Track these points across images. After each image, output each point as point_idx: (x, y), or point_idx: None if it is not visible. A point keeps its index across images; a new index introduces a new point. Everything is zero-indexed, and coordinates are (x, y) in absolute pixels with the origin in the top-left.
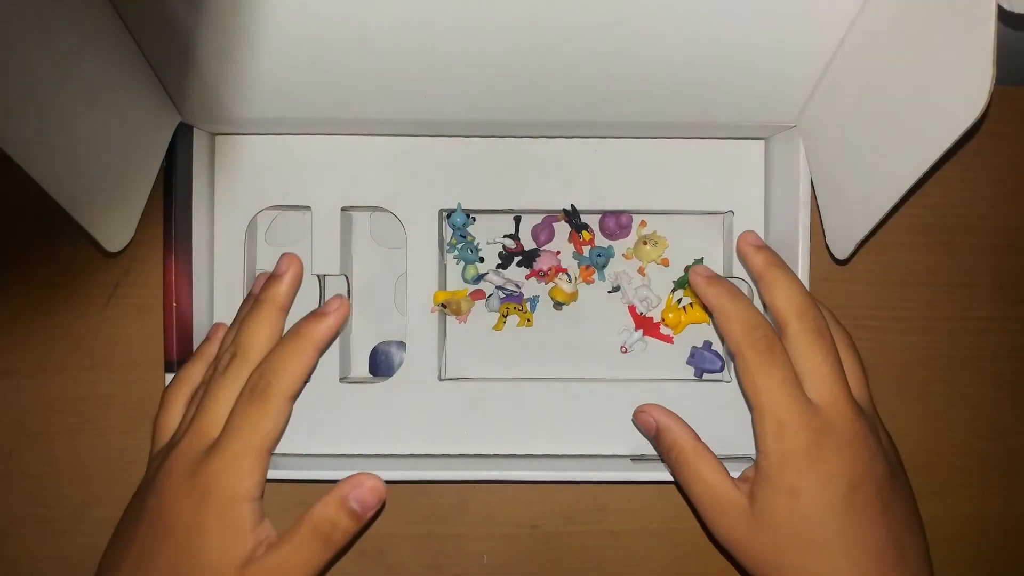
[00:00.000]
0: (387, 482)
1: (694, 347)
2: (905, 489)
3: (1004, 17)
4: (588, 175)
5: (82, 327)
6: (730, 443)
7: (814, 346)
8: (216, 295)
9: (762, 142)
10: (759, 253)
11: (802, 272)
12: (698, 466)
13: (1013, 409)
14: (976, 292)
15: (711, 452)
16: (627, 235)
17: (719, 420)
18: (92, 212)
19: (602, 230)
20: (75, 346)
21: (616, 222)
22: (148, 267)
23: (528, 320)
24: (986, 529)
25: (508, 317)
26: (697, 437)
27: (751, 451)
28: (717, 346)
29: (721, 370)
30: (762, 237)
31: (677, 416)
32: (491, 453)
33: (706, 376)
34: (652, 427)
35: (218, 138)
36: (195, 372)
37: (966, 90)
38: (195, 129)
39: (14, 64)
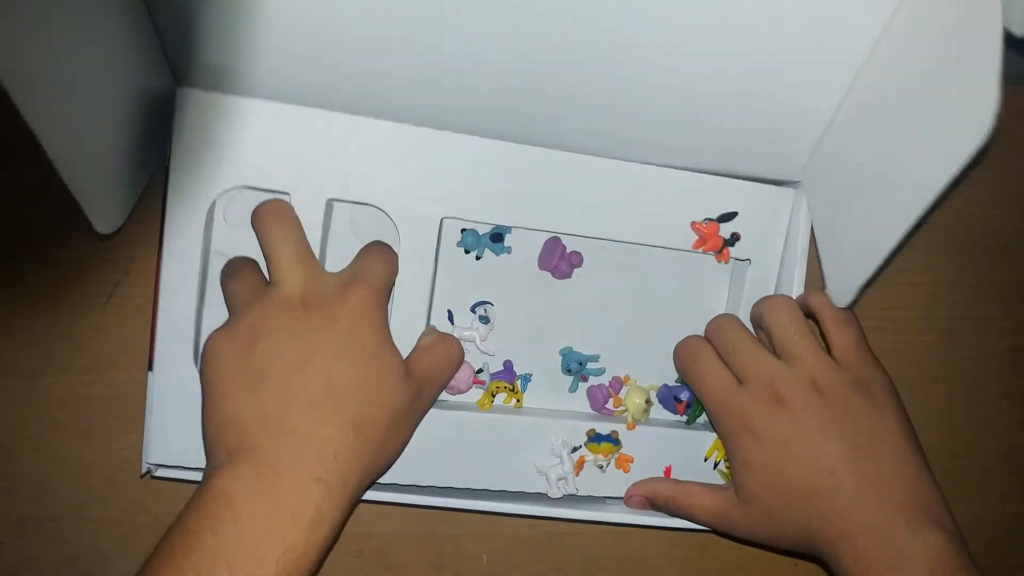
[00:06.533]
0: (389, 504)
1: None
2: (860, 416)
3: (1014, 44)
4: (602, 198)
5: (82, 327)
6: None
7: (733, 332)
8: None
9: (791, 190)
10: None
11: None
12: (690, 500)
13: (1013, 409)
14: (976, 292)
15: (693, 483)
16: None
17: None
18: (89, 188)
19: (543, 264)
20: (75, 346)
21: (567, 262)
22: (148, 267)
23: (518, 400)
24: (986, 529)
25: (496, 395)
26: (676, 481)
27: None
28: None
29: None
30: (772, 288)
31: (651, 479)
32: (468, 487)
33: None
34: (644, 503)
35: (217, 99)
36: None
37: (965, 128)
38: (187, 99)
39: (32, 28)
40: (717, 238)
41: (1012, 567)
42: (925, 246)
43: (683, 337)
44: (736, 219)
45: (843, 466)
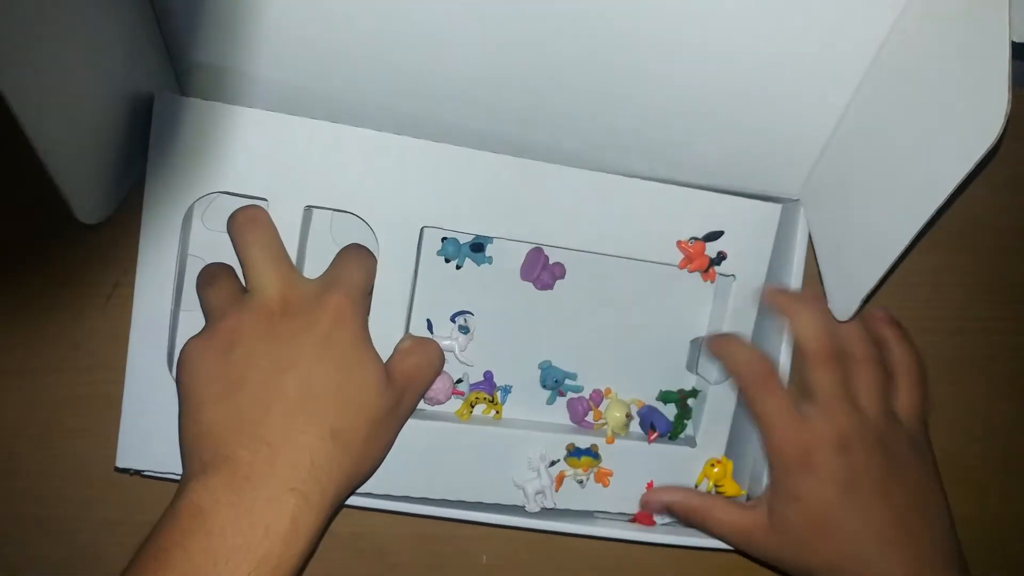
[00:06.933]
0: (390, 512)
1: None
2: (913, 474)
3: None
4: (585, 210)
5: (82, 327)
6: None
7: (816, 368)
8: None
9: (778, 206)
10: (782, 294)
11: (785, 351)
12: (713, 515)
13: (1013, 409)
14: (976, 292)
15: (716, 496)
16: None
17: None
18: (72, 178)
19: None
20: (75, 346)
21: (550, 273)
22: None
23: (497, 412)
24: (986, 529)
25: (475, 406)
26: (698, 492)
27: None
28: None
29: (667, 432)
30: (756, 306)
31: (672, 487)
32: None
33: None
34: (663, 509)
35: (197, 104)
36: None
37: (969, 139)
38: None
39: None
40: (703, 257)
41: (1012, 567)
42: (927, 246)
43: (712, 335)
44: (722, 235)
45: (896, 520)
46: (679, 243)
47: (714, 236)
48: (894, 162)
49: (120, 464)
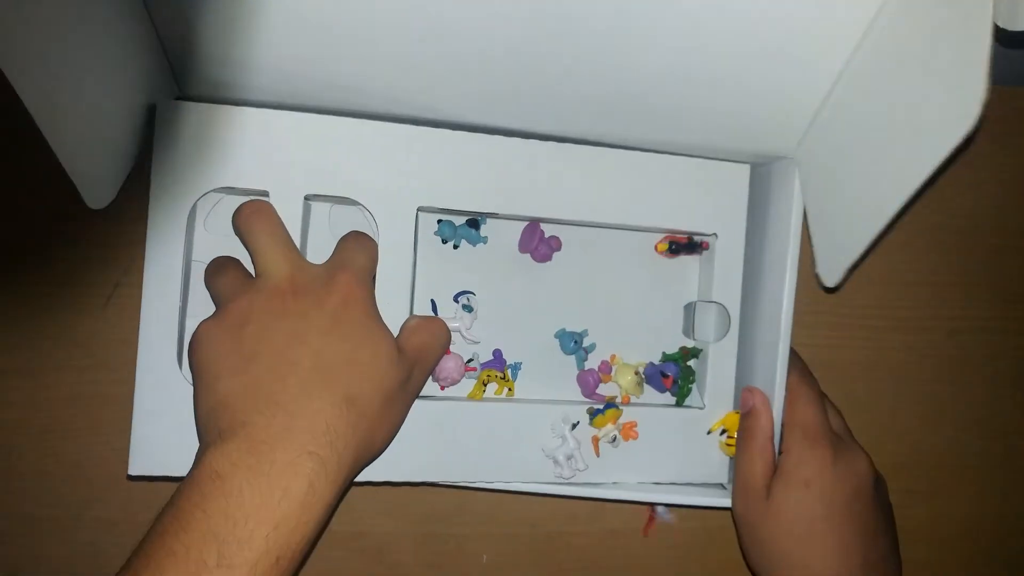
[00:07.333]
0: (391, 483)
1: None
2: (887, 510)
3: (1003, 38)
4: (571, 183)
5: (82, 327)
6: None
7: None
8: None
9: (747, 166)
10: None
11: (787, 306)
12: (756, 452)
13: (1013, 409)
14: (976, 292)
15: (774, 448)
16: (549, 258)
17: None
18: (80, 162)
19: (525, 247)
20: (75, 346)
21: (547, 245)
22: None
23: (510, 389)
24: (986, 529)
25: (487, 385)
26: (772, 433)
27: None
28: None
29: (678, 374)
30: (741, 261)
31: (770, 410)
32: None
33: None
34: (748, 405)
35: (196, 108)
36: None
37: (955, 113)
38: (177, 109)
39: (43, 30)
40: (684, 254)
41: (1012, 567)
42: (928, 246)
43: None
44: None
45: (871, 553)
46: (657, 246)
47: (692, 248)
48: (886, 129)
49: (133, 472)
